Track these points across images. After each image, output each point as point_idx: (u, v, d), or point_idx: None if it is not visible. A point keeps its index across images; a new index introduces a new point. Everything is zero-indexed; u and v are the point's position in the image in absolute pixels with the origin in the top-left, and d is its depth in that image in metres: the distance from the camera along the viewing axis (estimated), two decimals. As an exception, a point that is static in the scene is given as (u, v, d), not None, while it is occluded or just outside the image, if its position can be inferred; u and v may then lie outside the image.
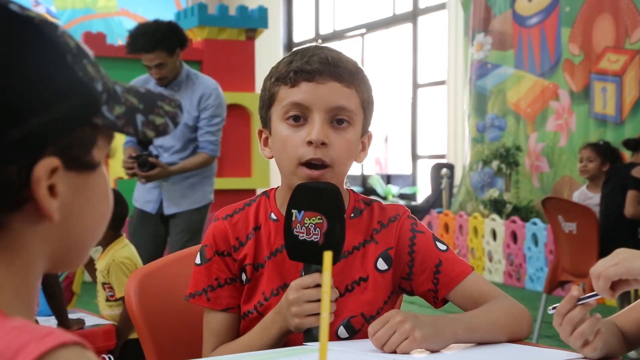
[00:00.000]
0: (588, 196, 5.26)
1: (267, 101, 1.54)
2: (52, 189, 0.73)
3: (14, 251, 0.74)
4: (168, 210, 4.26)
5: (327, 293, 0.75)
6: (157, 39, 4.04)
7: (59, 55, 0.75)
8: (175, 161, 4.22)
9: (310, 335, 1.43)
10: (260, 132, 1.59)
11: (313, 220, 1.40)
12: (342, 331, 1.53)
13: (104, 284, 3.11)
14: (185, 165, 4.19)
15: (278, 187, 1.60)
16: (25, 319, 0.70)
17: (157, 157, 4.11)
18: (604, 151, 5.25)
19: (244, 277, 1.56)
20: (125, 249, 3.12)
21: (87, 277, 7.51)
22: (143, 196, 4.31)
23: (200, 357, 1.57)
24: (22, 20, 0.74)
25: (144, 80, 4.28)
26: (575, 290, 1.33)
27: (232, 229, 1.56)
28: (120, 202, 3.19)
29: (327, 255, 0.78)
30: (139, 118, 0.79)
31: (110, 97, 0.78)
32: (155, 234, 4.25)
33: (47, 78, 0.73)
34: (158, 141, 4.21)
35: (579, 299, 1.34)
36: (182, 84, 4.22)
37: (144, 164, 4.00)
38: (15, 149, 0.70)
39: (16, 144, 0.70)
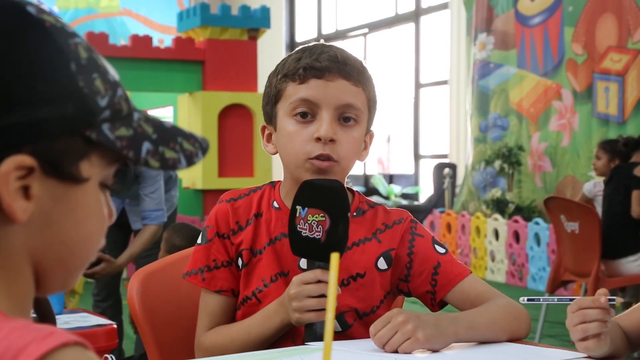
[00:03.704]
0: (601, 188, 5.22)
1: (273, 97, 1.54)
2: (26, 190, 0.71)
3: None
4: (135, 225, 4.03)
5: (333, 294, 0.75)
6: None
7: (61, 60, 0.74)
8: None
9: (311, 329, 1.43)
10: (263, 128, 1.60)
11: (316, 217, 1.41)
12: (334, 324, 1.53)
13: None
14: (134, 251, 3.75)
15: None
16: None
17: (102, 250, 3.59)
18: (611, 148, 5.22)
19: (240, 262, 1.56)
20: None
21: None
22: None
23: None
24: (32, 20, 0.74)
25: None
26: (602, 298, 1.34)
27: (233, 213, 1.57)
28: None
29: (334, 257, 0.78)
30: (146, 145, 0.77)
31: (117, 117, 0.77)
32: (117, 241, 4.07)
33: (41, 78, 0.72)
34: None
35: None
36: None
37: None
38: None
39: None
